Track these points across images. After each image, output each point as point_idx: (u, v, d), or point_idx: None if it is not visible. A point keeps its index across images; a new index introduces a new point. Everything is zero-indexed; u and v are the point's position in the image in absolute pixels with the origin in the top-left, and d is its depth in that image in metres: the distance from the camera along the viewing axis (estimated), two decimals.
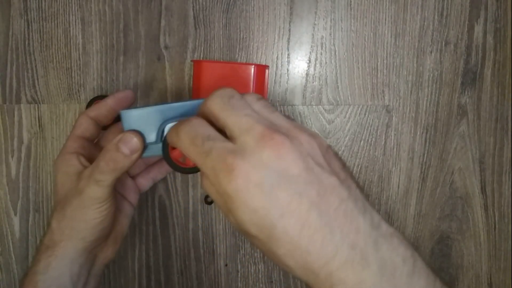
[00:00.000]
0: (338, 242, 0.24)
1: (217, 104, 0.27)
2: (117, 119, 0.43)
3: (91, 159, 0.38)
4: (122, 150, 0.33)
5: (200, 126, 0.27)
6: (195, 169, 0.33)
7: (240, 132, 0.25)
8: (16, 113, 0.51)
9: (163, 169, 0.46)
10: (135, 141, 0.34)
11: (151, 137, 0.34)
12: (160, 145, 0.34)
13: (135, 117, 0.34)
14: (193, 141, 0.27)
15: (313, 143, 0.26)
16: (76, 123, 0.39)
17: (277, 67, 0.51)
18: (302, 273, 0.25)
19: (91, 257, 0.38)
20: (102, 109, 0.39)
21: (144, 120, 0.34)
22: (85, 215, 0.35)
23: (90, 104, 0.49)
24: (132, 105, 0.41)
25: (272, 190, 0.24)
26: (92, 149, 0.40)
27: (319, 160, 0.26)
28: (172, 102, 0.37)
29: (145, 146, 0.34)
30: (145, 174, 0.45)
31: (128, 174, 0.44)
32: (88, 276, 0.38)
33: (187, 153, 0.27)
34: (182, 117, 0.34)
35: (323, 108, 0.52)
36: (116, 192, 0.41)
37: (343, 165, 0.27)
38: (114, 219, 0.39)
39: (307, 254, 0.24)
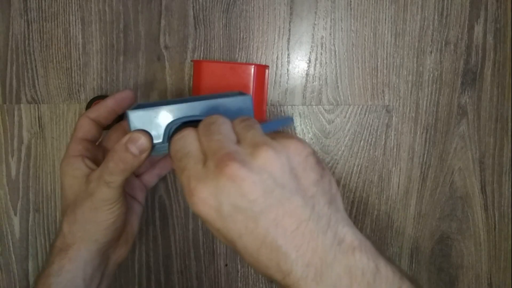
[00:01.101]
0: (293, 261, 0.25)
1: (200, 130, 0.29)
2: (118, 119, 0.43)
3: (95, 161, 0.38)
4: (131, 150, 0.33)
5: (186, 141, 0.29)
6: None
7: (207, 156, 0.27)
8: (16, 113, 0.51)
9: (167, 164, 0.46)
10: (143, 140, 0.33)
11: (158, 136, 0.34)
12: (166, 144, 0.34)
13: (141, 117, 0.34)
14: (175, 153, 0.29)
15: (287, 154, 0.26)
16: (77, 125, 0.38)
17: (277, 67, 0.51)
18: (269, 279, 0.27)
19: (104, 258, 0.38)
20: (102, 110, 0.39)
21: (150, 120, 0.34)
22: (97, 217, 0.35)
23: (90, 104, 0.49)
24: (132, 104, 0.41)
25: (230, 214, 0.25)
26: (95, 150, 0.40)
27: (283, 179, 0.26)
28: (178, 100, 0.36)
29: (152, 145, 0.34)
30: (151, 171, 0.45)
31: (134, 173, 0.44)
32: (101, 277, 0.38)
33: (171, 161, 0.29)
34: (189, 117, 0.34)
35: (323, 108, 0.52)
36: (125, 192, 0.41)
37: (320, 176, 0.27)
38: (125, 219, 0.39)
39: (267, 268, 0.26)
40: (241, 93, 0.37)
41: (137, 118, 0.34)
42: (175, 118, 0.34)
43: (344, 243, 0.26)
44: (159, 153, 0.35)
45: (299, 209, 0.25)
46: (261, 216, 0.25)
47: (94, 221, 0.35)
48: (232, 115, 0.32)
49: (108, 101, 0.39)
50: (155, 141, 0.34)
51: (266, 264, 0.26)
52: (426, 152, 0.53)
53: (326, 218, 0.26)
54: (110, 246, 0.38)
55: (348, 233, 0.26)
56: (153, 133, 0.34)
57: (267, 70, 0.50)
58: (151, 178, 0.45)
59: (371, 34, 0.52)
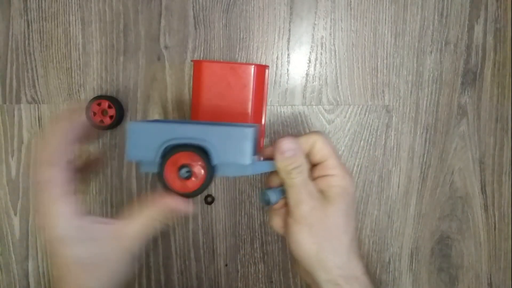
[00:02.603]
0: None
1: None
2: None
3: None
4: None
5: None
6: (187, 194, 0.33)
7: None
8: (16, 113, 0.51)
9: None
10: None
11: (151, 153, 0.33)
12: (157, 161, 0.33)
13: (141, 129, 0.33)
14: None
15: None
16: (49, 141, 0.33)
17: (277, 67, 0.51)
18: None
19: None
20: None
21: (149, 134, 0.33)
22: (123, 263, 0.33)
23: (89, 104, 0.49)
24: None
25: None
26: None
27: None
28: (177, 121, 0.35)
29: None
30: None
31: None
32: None
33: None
34: (187, 140, 0.33)
35: (323, 108, 0.52)
36: None
37: None
38: None
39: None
40: (247, 125, 0.36)
41: (136, 129, 0.33)
42: (173, 137, 0.33)
43: None
44: (147, 171, 0.34)
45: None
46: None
47: (119, 263, 0.32)
48: (229, 144, 0.32)
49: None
50: (147, 157, 0.33)
51: None
52: (426, 152, 0.53)
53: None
54: None
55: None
56: (147, 148, 0.33)
57: (267, 70, 0.50)
58: None
59: (371, 34, 0.52)
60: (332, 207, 0.33)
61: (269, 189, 0.36)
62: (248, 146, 0.33)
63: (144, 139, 0.33)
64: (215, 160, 0.33)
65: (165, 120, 0.39)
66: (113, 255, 0.31)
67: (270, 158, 0.35)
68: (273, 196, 0.35)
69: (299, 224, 0.33)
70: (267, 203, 0.36)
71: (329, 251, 0.33)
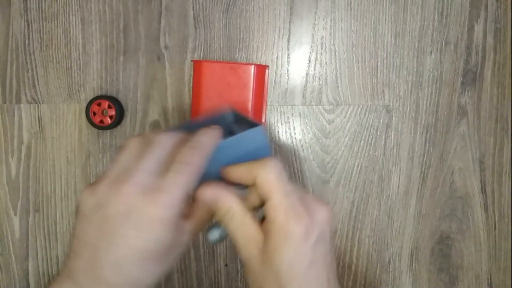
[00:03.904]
0: None
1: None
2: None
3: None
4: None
5: None
6: None
7: None
8: (16, 113, 0.51)
9: None
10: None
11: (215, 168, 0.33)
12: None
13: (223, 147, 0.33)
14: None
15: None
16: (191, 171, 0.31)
17: (277, 67, 0.51)
18: None
19: None
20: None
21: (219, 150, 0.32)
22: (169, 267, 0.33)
23: (90, 104, 0.49)
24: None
25: None
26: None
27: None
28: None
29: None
30: None
31: None
32: None
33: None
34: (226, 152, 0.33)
35: (323, 108, 0.52)
36: None
37: None
38: None
39: None
40: (253, 124, 0.36)
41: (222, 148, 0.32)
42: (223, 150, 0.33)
43: None
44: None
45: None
46: None
47: (154, 273, 0.31)
48: (249, 149, 0.33)
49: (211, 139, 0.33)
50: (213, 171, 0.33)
51: None
52: (426, 152, 0.53)
53: None
54: None
55: None
56: (214, 163, 0.32)
57: (267, 70, 0.50)
58: None
59: (371, 34, 0.52)
60: (274, 256, 0.30)
61: (214, 226, 0.35)
62: (267, 143, 0.34)
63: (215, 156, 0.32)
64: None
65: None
66: (175, 249, 0.31)
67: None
68: (217, 233, 0.35)
69: (246, 266, 0.31)
70: (215, 241, 0.35)
71: None
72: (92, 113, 0.49)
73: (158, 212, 0.29)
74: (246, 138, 0.34)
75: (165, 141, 0.32)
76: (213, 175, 0.33)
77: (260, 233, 0.31)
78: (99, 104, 0.49)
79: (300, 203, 0.31)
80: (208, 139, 0.32)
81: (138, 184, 0.29)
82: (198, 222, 0.34)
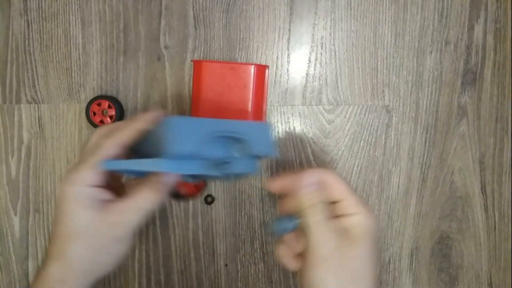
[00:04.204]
0: None
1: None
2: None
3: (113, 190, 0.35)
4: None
5: None
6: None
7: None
8: (16, 113, 0.51)
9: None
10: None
11: (193, 146, 0.32)
12: (194, 160, 0.33)
13: (182, 124, 0.32)
14: None
15: None
16: (100, 146, 0.34)
17: (277, 67, 0.51)
18: None
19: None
20: (131, 134, 0.35)
21: (192, 128, 0.33)
22: (114, 248, 0.34)
23: (90, 104, 0.49)
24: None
25: None
26: (113, 180, 0.37)
27: None
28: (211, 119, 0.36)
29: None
30: None
31: None
32: None
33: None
34: (229, 133, 0.34)
35: (323, 108, 0.52)
36: None
37: None
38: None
39: None
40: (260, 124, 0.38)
41: (177, 125, 0.32)
42: (216, 130, 0.33)
43: None
44: (184, 172, 0.34)
45: None
46: None
47: (110, 252, 0.33)
48: (256, 141, 0.35)
49: (138, 124, 0.35)
50: (189, 150, 0.32)
51: None
52: (426, 152, 0.53)
53: None
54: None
55: None
56: (188, 143, 0.32)
57: (267, 70, 0.51)
58: None
59: (371, 34, 0.52)
60: (357, 249, 0.32)
61: (283, 217, 0.35)
62: (271, 139, 0.36)
63: (186, 133, 0.32)
64: (252, 150, 0.34)
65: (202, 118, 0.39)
66: (117, 228, 0.33)
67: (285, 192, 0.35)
68: (288, 225, 0.34)
69: (319, 265, 0.32)
70: (281, 232, 0.35)
71: None
72: (92, 113, 0.49)
73: (65, 188, 0.32)
74: (253, 128, 0.35)
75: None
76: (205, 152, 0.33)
77: (337, 233, 0.32)
78: (99, 104, 0.49)
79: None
80: (140, 117, 0.35)
81: (69, 167, 0.32)
82: (139, 201, 0.33)
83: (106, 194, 0.34)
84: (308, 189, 0.33)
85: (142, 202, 0.33)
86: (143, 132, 0.35)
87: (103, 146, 0.34)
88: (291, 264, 0.34)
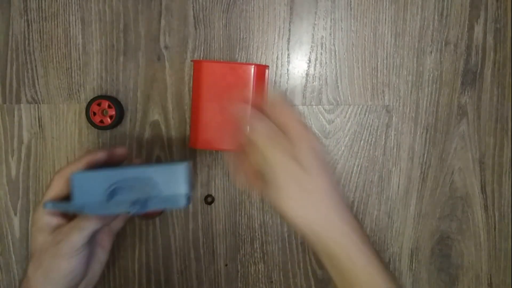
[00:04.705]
0: None
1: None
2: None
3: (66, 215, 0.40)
4: None
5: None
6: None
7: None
8: (16, 113, 0.51)
9: None
10: None
11: (98, 196, 0.37)
12: (107, 204, 0.37)
13: (85, 179, 0.37)
14: None
15: None
16: (51, 184, 0.39)
17: (277, 67, 0.51)
18: None
19: None
20: (85, 163, 0.40)
21: (92, 182, 0.37)
22: (60, 265, 0.37)
23: (90, 104, 0.49)
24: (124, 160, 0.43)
25: None
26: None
27: None
28: (115, 168, 0.39)
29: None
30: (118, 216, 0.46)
31: None
32: None
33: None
34: (130, 181, 0.37)
35: (323, 108, 0.52)
36: (91, 240, 0.41)
37: None
38: (88, 266, 0.40)
39: None
40: (180, 162, 0.39)
41: (80, 181, 0.37)
42: (114, 182, 0.37)
43: None
44: (104, 213, 0.38)
45: None
46: None
47: (57, 269, 0.37)
48: (164, 183, 0.37)
49: (100, 155, 0.40)
50: (96, 200, 0.37)
51: None
52: (426, 152, 0.53)
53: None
54: None
55: None
56: (93, 194, 0.37)
57: (267, 70, 0.50)
58: (118, 222, 0.45)
59: (371, 34, 0.52)
60: (311, 177, 0.35)
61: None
62: (185, 179, 0.38)
63: (90, 186, 0.37)
64: (157, 194, 0.37)
65: (102, 168, 0.42)
66: (62, 246, 0.37)
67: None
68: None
69: (280, 192, 0.35)
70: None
71: (310, 211, 0.35)
72: (92, 113, 0.49)
73: (32, 216, 0.44)
74: (169, 171, 0.37)
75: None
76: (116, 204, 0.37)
77: (292, 161, 0.35)
78: (99, 104, 0.49)
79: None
80: (81, 157, 0.39)
81: None
82: (81, 223, 0.38)
83: (60, 220, 0.39)
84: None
85: (83, 224, 0.37)
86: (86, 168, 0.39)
87: (50, 186, 0.39)
88: (252, 184, 0.37)
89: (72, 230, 0.37)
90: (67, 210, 0.38)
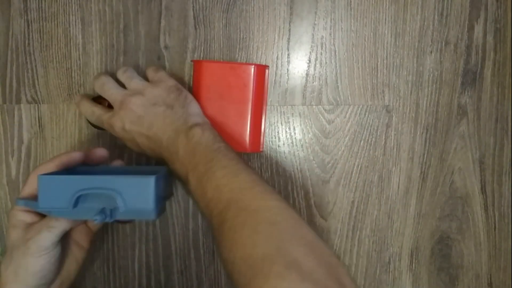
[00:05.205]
0: (164, 139, 0.44)
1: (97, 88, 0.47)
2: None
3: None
4: None
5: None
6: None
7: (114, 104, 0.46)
8: (16, 113, 0.51)
9: None
10: None
11: (63, 203, 0.36)
12: (72, 210, 0.36)
13: (52, 182, 0.36)
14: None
15: (155, 90, 0.45)
16: (27, 181, 0.40)
17: (277, 67, 0.51)
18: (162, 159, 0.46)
19: None
20: (65, 163, 0.40)
21: (59, 186, 0.36)
22: (28, 262, 0.37)
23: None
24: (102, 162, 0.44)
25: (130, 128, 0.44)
26: None
27: (154, 100, 0.44)
28: (86, 172, 0.39)
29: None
30: None
31: None
32: None
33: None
34: (97, 190, 0.36)
35: (323, 108, 0.52)
36: (67, 238, 0.42)
37: (177, 93, 0.46)
38: (60, 265, 0.40)
39: (159, 152, 0.45)
40: (151, 172, 0.39)
41: (47, 182, 0.36)
42: (83, 188, 0.36)
43: (189, 123, 0.43)
44: (69, 217, 0.37)
45: (163, 111, 0.44)
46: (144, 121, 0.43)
47: (25, 267, 0.37)
48: (130, 195, 0.36)
49: (75, 155, 0.40)
50: (61, 206, 0.36)
51: (155, 149, 0.44)
52: (426, 152, 0.53)
53: (179, 113, 0.44)
54: None
55: (192, 118, 0.44)
56: (59, 198, 0.36)
57: (267, 70, 0.51)
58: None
59: (371, 34, 0.52)
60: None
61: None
62: (151, 194, 0.36)
63: (55, 190, 0.36)
64: (122, 207, 0.36)
65: (74, 171, 0.41)
66: (31, 244, 0.37)
67: None
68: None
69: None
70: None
71: None
72: None
73: (10, 212, 0.40)
74: (137, 184, 0.36)
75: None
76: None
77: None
78: (99, 104, 0.49)
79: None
80: (57, 157, 0.40)
81: None
82: (51, 222, 0.38)
83: (34, 217, 0.39)
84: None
85: (52, 223, 0.37)
86: (62, 167, 0.40)
87: (26, 183, 0.40)
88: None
89: (41, 229, 0.37)
90: (36, 209, 0.38)
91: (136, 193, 0.36)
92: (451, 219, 0.54)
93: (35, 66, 0.50)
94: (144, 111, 0.43)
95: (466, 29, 0.52)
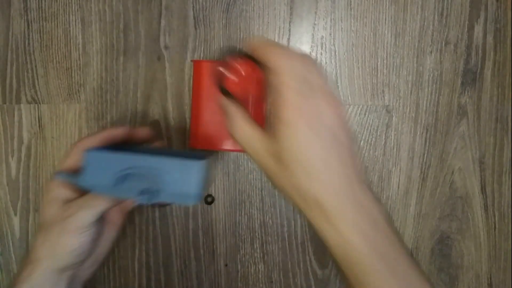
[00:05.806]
0: None
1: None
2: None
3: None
4: None
5: None
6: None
7: None
8: (16, 113, 0.51)
9: None
10: None
11: (108, 180, 0.36)
12: (114, 188, 0.36)
13: (98, 159, 0.36)
14: None
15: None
16: (69, 153, 0.39)
17: None
18: None
19: (68, 274, 0.39)
20: (94, 142, 0.39)
21: (104, 163, 0.36)
22: (65, 240, 0.37)
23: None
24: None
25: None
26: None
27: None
28: (132, 151, 0.38)
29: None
30: None
31: None
32: None
33: None
34: (143, 169, 0.36)
35: None
36: (103, 217, 0.41)
37: None
38: (95, 243, 0.40)
39: None
40: (196, 157, 0.37)
41: (94, 158, 0.36)
42: (126, 167, 0.36)
43: None
44: (111, 195, 0.37)
45: None
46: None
47: (63, 245, 0.37)
48: (175, 178, 0.35)
49: (120, 130, 0.40)
50: (105, 183, 0.36)
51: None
52: (426, 152, 0.53)
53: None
54: (74, 267, 0.39)
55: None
56: (104, 175, 0.36)
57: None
58: (130, 202, 0.44)
59: (371, 34, 0.52)
60: (282, 151, 0.29)
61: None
62: (198, 178, 0.36)
63: (100, 168, 0.36)
64: (166, 189, 0.36)
65: (116, 148, 0.40)
66: (69, 222, 0.37)
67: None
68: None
69: (267, 177, 0.30)
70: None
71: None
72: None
73: (46, 186, 0.42)
74: (184, 167, 0.36)
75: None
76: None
77: (265, 134, 0.30)
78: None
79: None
80: (105, 130, 0.39)
81: None
82: (90, 200, 0.37)
83: (72, 193, 0.38)
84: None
85: (93, 202, 0.37)
86: (105, 142, 0.39)
87: (68, 155, 0.39)
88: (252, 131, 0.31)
89: (81, 208, 0.36)
90: (77, 184, 0.37)
91: (184, 176, 0.36)
92: (451, 219, 0.54)
93: (35, 66, 0.50)
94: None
95: (466, 29, 0.52)
